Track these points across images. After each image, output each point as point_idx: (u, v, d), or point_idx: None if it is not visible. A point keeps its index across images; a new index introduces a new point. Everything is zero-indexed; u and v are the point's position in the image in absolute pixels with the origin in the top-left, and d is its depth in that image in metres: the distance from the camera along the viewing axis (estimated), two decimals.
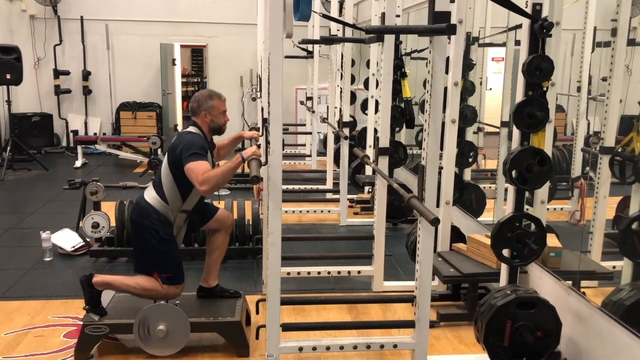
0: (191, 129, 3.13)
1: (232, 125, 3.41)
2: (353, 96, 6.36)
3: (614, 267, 3.51)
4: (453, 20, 3.28)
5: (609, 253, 3.67)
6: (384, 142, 3.79)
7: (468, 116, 5.06)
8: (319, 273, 4.00)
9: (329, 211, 5.79)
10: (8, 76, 7.86)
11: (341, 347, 2.84)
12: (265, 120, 3.02)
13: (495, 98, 5.62)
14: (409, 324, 2.84)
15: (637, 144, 3.48)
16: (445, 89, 2.86)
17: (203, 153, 2.97)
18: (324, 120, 6.51)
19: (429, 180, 2.59)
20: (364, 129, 6.25)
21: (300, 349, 2.82)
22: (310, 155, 8.20)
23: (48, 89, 9.44)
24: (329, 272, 4.02)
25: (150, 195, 3.08)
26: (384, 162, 3.78)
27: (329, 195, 6.32)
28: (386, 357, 3.07)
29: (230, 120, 3.35)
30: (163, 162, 3.11)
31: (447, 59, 3.49)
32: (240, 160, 2.89)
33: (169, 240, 3.07)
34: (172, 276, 3.08)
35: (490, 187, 5.21)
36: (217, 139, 3.31)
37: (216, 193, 3.08)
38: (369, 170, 5.94)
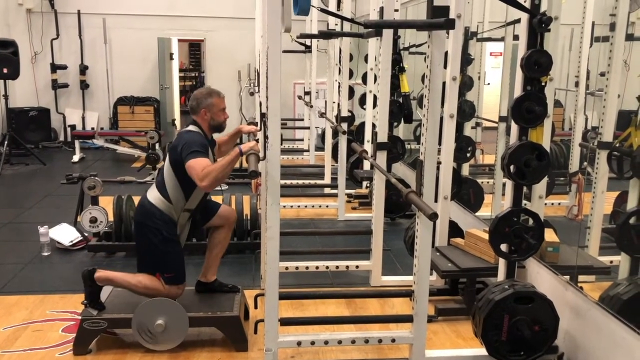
0: (191, 127, 3.13)
1: (230, 120, 3.41)
2: (351, 91, 6.34)
3: (611, 261, 3.52)
4: (451, 15, 3.27)
5: (607, 248, 3.68)
6: (382, 137, 3.78)
7: (466, 111, 5.06)
8: (317, 268, 4.01)
9: (327, 206, 5.78)
10: (5, 70, 7.82)
11: (339, 342, 2.84)
12: (263, 115, 3.02)
13: (494, 93, 5.61)
14: (407, 319, 2.85)
15: (635, 138, 3.49)
16: (444, 83, 2.86)
17: (203, 150, 2.97)
18: (322, 115, 6.50)
19: (427, 175, 2.59)
20: (362, 124, 6.24)
21: (299, 343, 2.82)
22: (308, 150, 8.18)
23: (45, 84, 9.40)
24: (327, 267, 4.03)
25: (153, 195, 3.08)
26: (382, 157, 3.78)
27: (327, 190, 6.32)
28: (384, 352, 3.07)
29: (229, 116, 3.34)
30: (165, 162, 3.12)
31: (446, 53, 3.48)
32: (238, 153, 2.88)
33: (172, 240, 3.07)
34: (174, 276, 3.08)
35: (488, 182, 5.21)
36: (216, 136, 3.31)
37: (218, 188, 3.08)
38: (367, 165, 5.94)
